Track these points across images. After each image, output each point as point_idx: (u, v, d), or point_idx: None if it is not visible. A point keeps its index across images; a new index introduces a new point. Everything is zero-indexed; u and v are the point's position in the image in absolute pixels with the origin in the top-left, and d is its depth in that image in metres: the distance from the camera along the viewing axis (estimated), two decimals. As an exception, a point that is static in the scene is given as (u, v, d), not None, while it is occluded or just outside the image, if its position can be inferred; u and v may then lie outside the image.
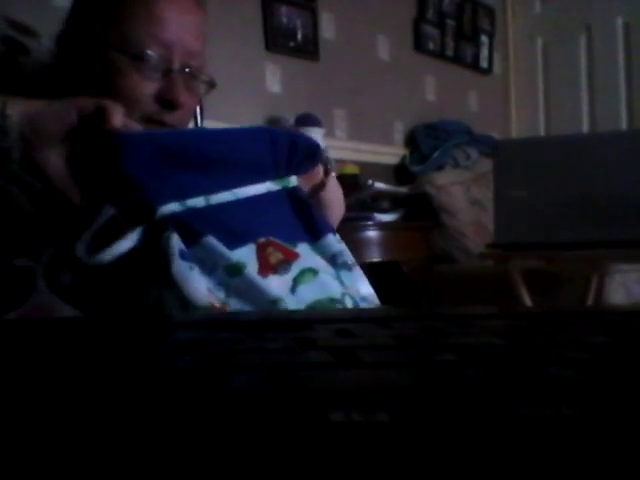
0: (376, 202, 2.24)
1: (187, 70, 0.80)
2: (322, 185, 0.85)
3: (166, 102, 0.78)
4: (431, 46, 3.09)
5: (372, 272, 2.29)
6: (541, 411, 0.17)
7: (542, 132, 3.48)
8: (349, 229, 2.07)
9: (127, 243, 0.64)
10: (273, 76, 2.36)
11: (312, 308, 0.65)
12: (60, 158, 0.64)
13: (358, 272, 0.75)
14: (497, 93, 3.56)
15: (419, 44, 3.02)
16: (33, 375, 0.24)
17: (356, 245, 2.05)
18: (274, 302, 0.63)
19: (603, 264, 1.85)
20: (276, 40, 2.34)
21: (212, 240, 0.64)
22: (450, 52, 3.20)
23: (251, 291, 0.63)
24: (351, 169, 2.35)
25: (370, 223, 2.11)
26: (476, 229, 2.42)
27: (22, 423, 0.17)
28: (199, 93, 0.84)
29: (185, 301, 0.61)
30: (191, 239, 0.64)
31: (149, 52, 0.76)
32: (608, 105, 3.24)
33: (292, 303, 0.65)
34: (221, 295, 0.63)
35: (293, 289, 0.66)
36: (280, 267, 0.66)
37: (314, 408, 0.18)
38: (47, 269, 0.70)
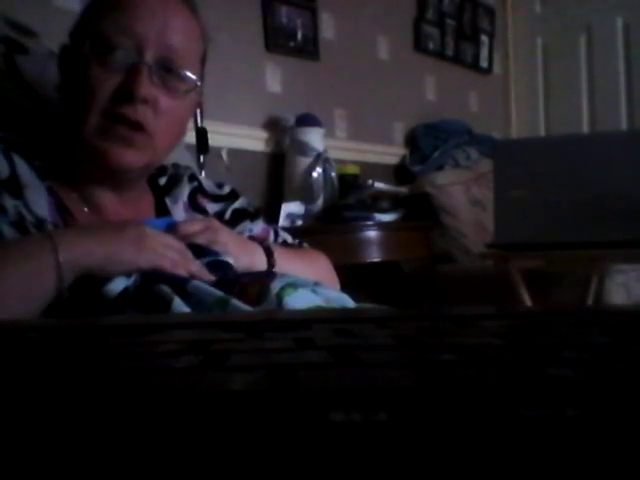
0: (376, 202, 2.23)
1: (162, 66, 0.73)
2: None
3: (124, 95, 0.71)
4: (431, 46, 3.09)
5: (372, 272, 2.29)
6: (541, 411, 0.17)
7: (542, 132, 3.48)
8: (349, 229, 2.06)
9: (122, 281, 0.65)
10: (273, 76, 2.35)
11: None
12: None
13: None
14: (497, 93, 3.55)
15: (419, 44, 3.01)
16: (33, 376, 0.24)
17: (356, 245, 2.05)
18: None
19: (603, 264, 1.84)
20: (276, 40, 2.34)
21: (196, 284, 0.66)
22: (450, 52, 3.20)
23: None
24: (351, 169, 2.35)
25: (370, 223, 2.11)
26: (476, 229, 2.42)
27: (25, 422, 0.17)
28: (177, 92, 0.76)
29: None
30: (180, 290, 0.65)
31: (113, 43, 0.70)
32: (608, 105, 3.24)
33: None
34: None
35: (280, 303, 0.67)
36: (262, 296, 0.67)
37: (314, 408, 0.18)
38: None
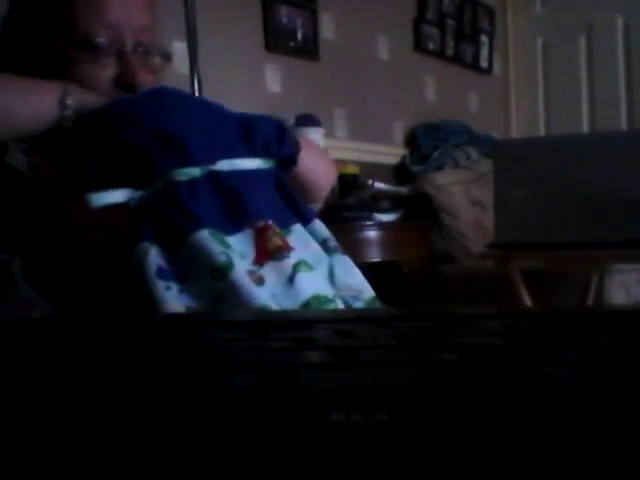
0: (376, 202, 2.23)
1: (140, 48, 0.78)
2: (294, 161, 0.81)
3: (125, 85, 0.76)
4: (431, 46, 3.09)
5: (372, 272, 2.29)
6: (541, 411, 0.17)
7: (542, 132, 3.48)
8: (349, 229, 2.06)
9: (119, 195, 0.64)
10: (273, 76, 2.35)
11: (307, 305, 0.64)
12: None
13: (348, 259, 0.73)
14: (497, 93, 3.55)
15: (419, 44, 3.02)
16: (31, 373, 0.24)
17: (356, 245, 2.05)
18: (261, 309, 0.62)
19: (603, 264, 1.85)
20: (276, 40, 2.34)
21: (201, 236, 0.62)
22: (450, 52, 3.20)
23: (237, 296, 0.61)
24: (351, 169, 2.35)
25: (370, 223, 2.11)
26: (476, 229, 2.42)
27: (23, 422, 0.17)
28: (156, 67, 0.81)
29: None
30: (177, 240, 0.62)
31: (98, 39, 0.75)
32: (608, 105, 3.24)
33: (288, 297, 0.64)
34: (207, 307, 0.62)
35: (292, 278, 0.64)
36: (278, 253, 0.65)
37: (314, 408, 0.18)
38: (24, 261, 0.69)
